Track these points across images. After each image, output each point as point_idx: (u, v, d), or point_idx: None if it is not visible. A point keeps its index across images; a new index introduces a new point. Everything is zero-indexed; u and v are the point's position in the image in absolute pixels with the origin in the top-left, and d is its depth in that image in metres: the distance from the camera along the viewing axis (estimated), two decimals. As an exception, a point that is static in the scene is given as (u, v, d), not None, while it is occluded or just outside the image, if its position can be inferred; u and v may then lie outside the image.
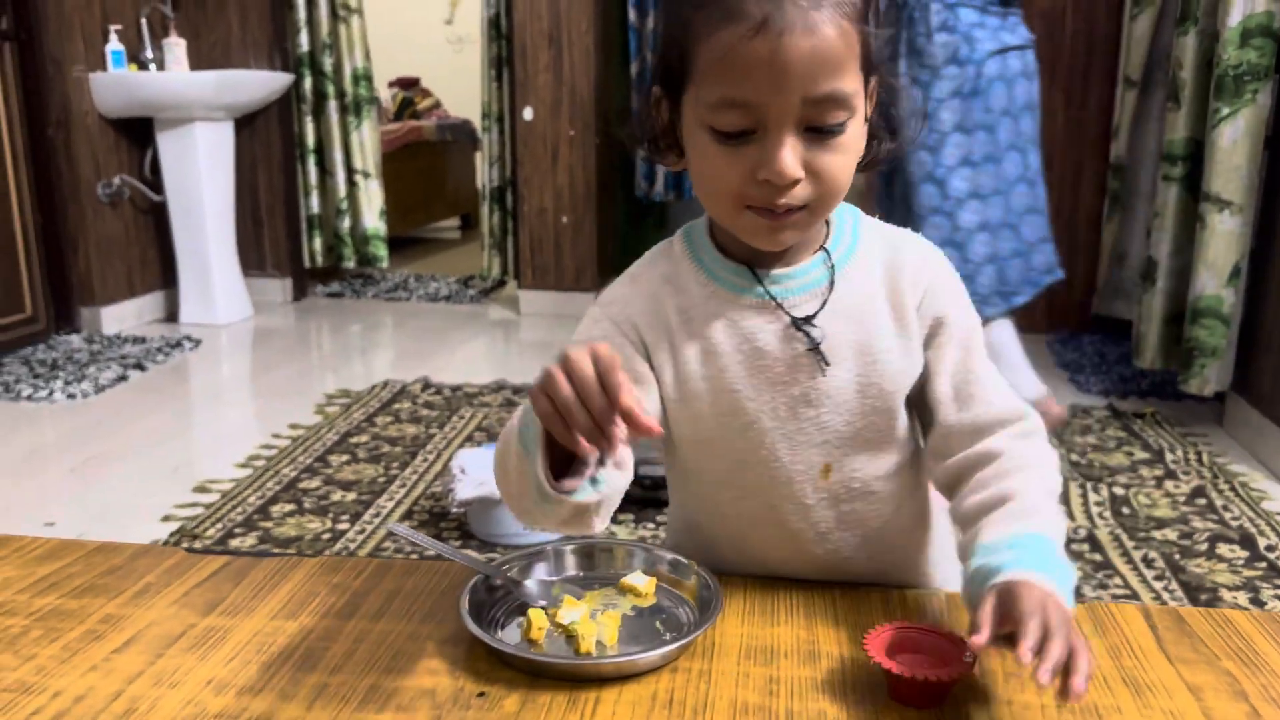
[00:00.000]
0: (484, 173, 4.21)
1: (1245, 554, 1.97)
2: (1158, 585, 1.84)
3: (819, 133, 0.70)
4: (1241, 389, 2.64)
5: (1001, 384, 0.79)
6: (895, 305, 0.78)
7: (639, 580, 0.79)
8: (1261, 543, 2.01)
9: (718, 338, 0.78)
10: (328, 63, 4.09)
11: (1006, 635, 0.61)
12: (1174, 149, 2.70)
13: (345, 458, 2.45)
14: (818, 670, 0.68)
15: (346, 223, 4.25)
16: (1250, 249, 2.56)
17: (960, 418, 0.78)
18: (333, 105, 4.14)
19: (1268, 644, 0.72)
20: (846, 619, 0.74)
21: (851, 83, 0.70)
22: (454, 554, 0.80)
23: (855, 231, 0.81)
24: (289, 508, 2.16)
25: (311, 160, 4.17)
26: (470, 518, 2.02)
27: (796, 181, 0.70)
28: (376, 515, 2.12)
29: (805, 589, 0.79)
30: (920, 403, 0.81)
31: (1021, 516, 0.70)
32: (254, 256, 4.13)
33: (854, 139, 0.72)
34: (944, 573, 0.88)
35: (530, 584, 0.78)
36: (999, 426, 0.76)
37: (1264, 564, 1.93)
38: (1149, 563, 1.92)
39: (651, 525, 2.10)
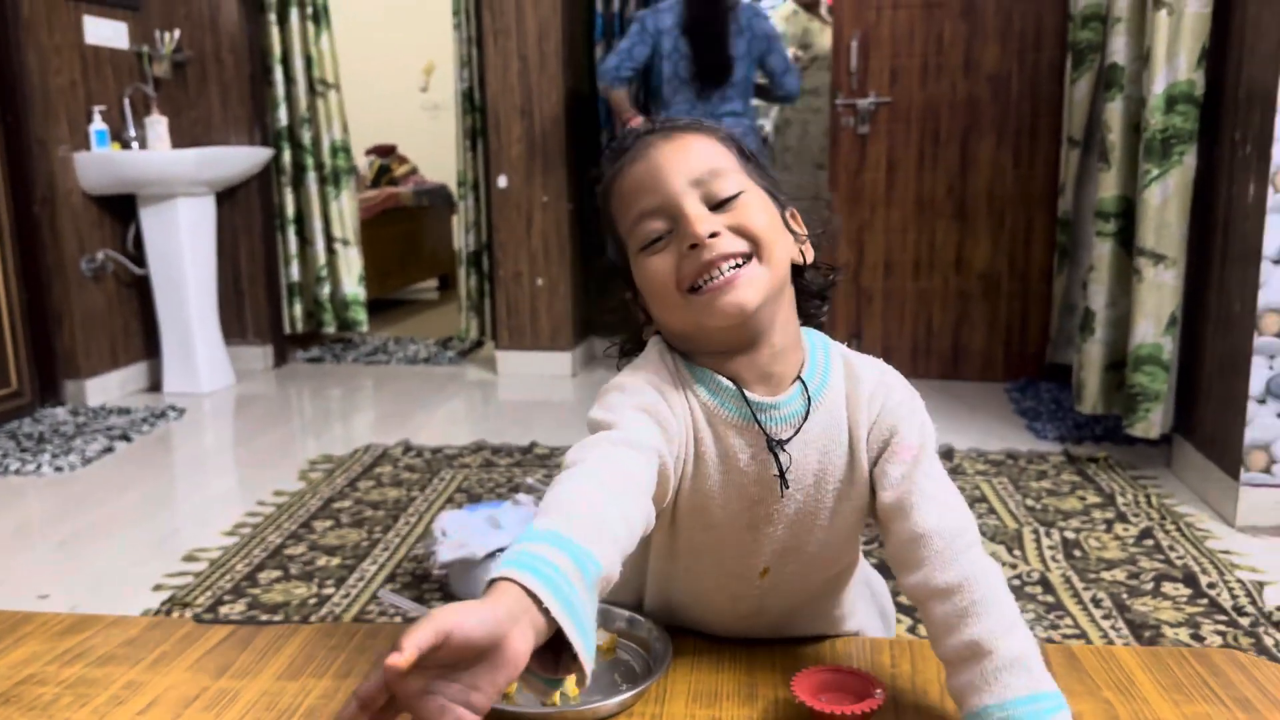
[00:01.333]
0: (461, 238, 4.34)
1: (1189, 592, 2.08)
2: (1105, 624, 1.95)
3: (722, 204, 0.81)
4: (1186, 433, 2.77)
5: (941, 495, 0.82)
6: (853, 437, 0.85)
7: (600, 637, 0.89)
8: (1204, 580, 2.13)
9: (706, 446, 0.84)
10: (306, 136, 4.23)
11: None
12: (1106, 206, 2.86)
13: (329, 523, 2.53)
14: (754, 710, 0.78)
15: (326, 289, 4.36)
16: (1184, 299, 2.72)
17: (900, 527, 0.81)
18: (312, 177, 4.27)
19: (1144, 675, 0.83)
20: (781, 665, 0.85)
21: (729, 168, 0.83)
22: (436, 618, 0.89)
23: (827, 363, 0.87)
24: (276, 574, 2.24)
25: (291, 230, 4.29)
26: (451, 579, 2.10)
27: (715, 234, 0.79)
28: (360, 579, 2.20)
29: (747, 645, 0.89)
30: (873, 513, 0.87)
31: (1011, 672, 0.72)
32: (235, 325, 4.23)
33: (758, 202, 0.83)
34: (852, 624, 0.98)
35: (504, 642, 0.88)
36: (937, 539, 0.79)
37: (1205, 600, 2.05)
38: (1097, 603, 2.03)
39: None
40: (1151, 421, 2.76)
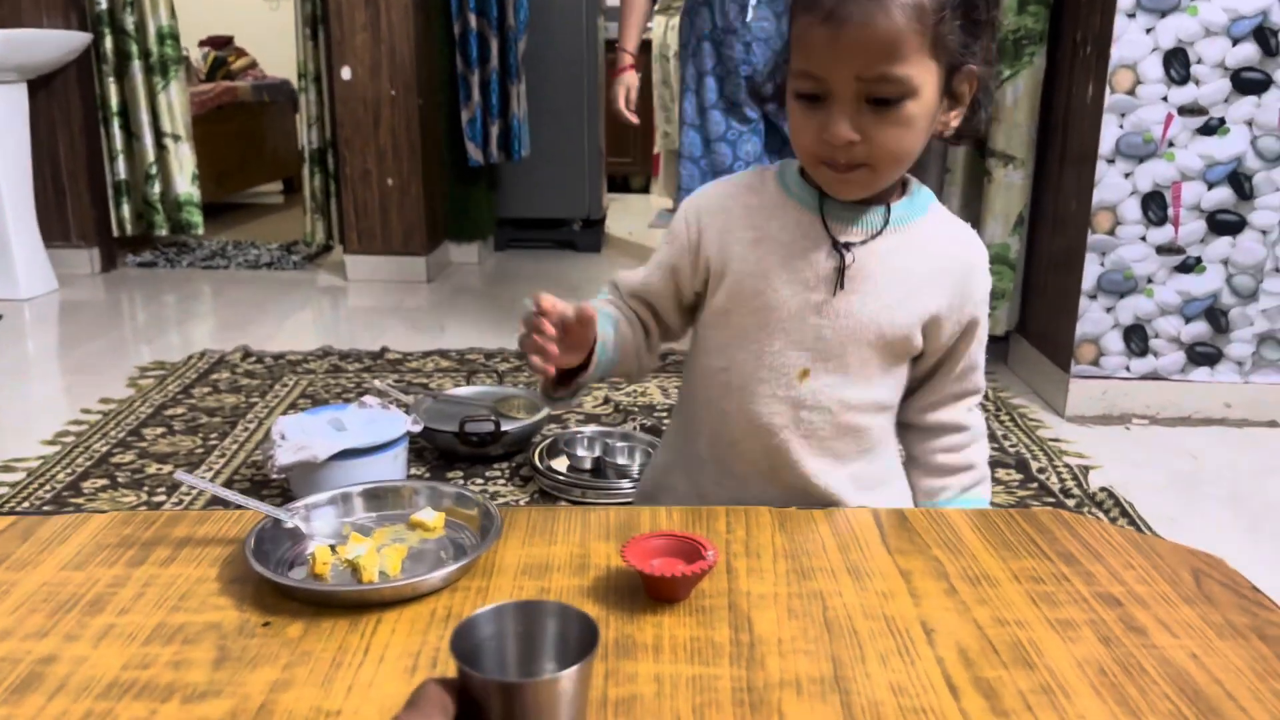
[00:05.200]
0: (303, 134, 4.10)
1: (1020, 477, 2.18)
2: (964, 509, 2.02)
3: (878, 105, 0.84)
4: (1022, 328, 2.88)
5: (982, 366, 1.01)
6: (928, 278, 0.94)
7: (427, 516, 0.84)
8: (1034, 466, 2.23)
9: (773, 229, 0.94)
10: (129, 21, 3.89)
11: None
12: (961, 108, 2.90)
13: (161, 430, 2.39)
14: (585, 579, 0.75)
15: (157, 188, 4.07)
16: (1029, 199, 2.80)
17: (952, 388, 1.00)
18: (137, 65, 3.94)
19: (972, 534, 0.83)
20: (616, 534, 0.82)
21: (909, 68, 0.82)
22: (240, 499, 0.83)
23: (925, 207, 0.96)
24: (101, 483, 2.10)
25: (116, 123, 3.97)
26: (292, 483, 2.01)
27: (851, 143, 0.84)
28: (194, 487, 2.09)
29: (582, 511, 0.86)
30: (923, 365, 0.99)
31: (976, 486, 1.03)
32: (57, 227, 3.91)
33: (912, 116, 0.85)
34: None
35: (318, 524, 0.83)
36: (966, 397, 1.02)
37: (1035, 484, 2.14)
38: (936, 489, 2.10)
39: (480, 480, 2.15)
40: (997, 319, 2.85)
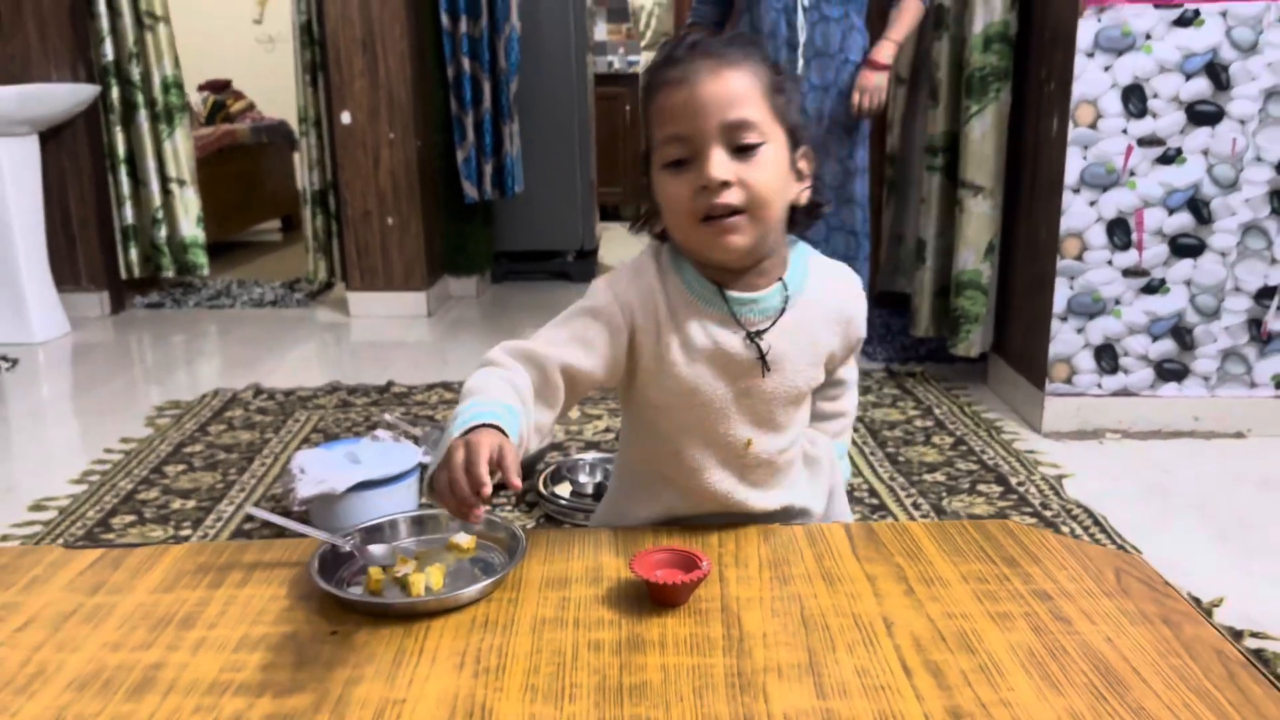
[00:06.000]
0: (304, 177, 4.25)
1: (1000, 489, 2.31)
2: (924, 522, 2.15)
3: (740, 151, 0.93)
4: (999, 350, 3.03)
5: (854, 363, 1.19)
6: (825, 332, 1.06)
7: (462, 539, 0.98)
8: (1013, 480, 2.36)
9: (694, 337, 1.01)
10: (135, 72, 4.04)
11: None
12: (935, 141, 3.06)
13: (181, 467, 2.51)
14: (600, 589, 0.88)
15: (163, 232, 4.21)
16: (1000, 227, 2.95)
17: (830, 386, 1.17)
18: (143, 114, 4.09)
19: (931, 544, 0.97)
20: (624, 550, 0.95)
21: (758, 114, 0.94)
22: (305, 529, 0.96)
23: (806, 267, 1.05)
24: (130, 519, 2.23)
25: (123, 170, 4.11)
26: (312, 515, 2.13)
27: (726, 184, 0.93)
28: (218, 520, 2.21)
29: (594, 532, 0.99)
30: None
31: (843, 432, 1.23)
32: (68, 271, 4.04)
33: (772, 160, 0.95)
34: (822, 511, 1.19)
35: (371, 549, 0.96)
36: (846, 360, 1.16)
37: (1015, 496, 2.28)
38: (917, 506, 2.24)
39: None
40: (972, 341, 3.00)
